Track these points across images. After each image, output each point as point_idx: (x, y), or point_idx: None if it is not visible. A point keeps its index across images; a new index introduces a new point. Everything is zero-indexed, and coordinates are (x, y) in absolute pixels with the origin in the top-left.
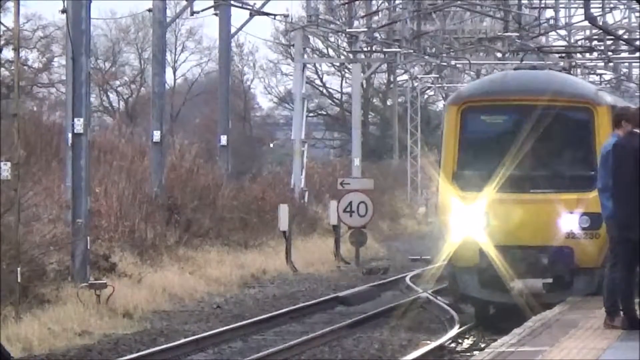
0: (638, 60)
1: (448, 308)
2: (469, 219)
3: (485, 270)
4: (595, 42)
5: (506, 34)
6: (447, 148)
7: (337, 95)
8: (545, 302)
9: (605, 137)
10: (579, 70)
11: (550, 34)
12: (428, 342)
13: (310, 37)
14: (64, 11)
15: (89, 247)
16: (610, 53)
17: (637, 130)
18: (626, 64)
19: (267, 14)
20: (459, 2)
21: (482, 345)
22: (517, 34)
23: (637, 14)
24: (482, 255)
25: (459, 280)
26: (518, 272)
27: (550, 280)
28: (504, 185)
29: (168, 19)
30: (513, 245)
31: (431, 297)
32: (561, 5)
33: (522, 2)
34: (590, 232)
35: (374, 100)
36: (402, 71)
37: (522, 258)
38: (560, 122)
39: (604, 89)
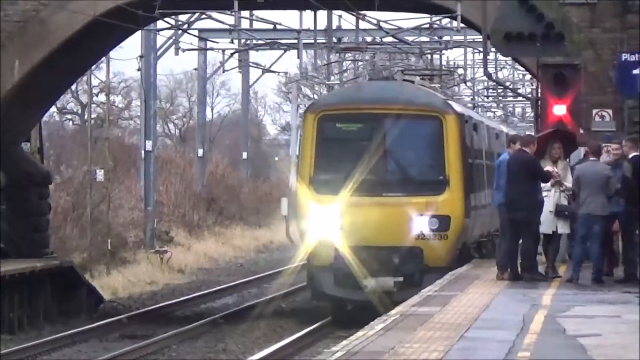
0: (519, 102)
1: None
2: (325, 221)
3: (340, 269)
4: (490, 90)
5: (431, 85)
6: (304, 154)
7: None
8: (396, 299)
9: (453, 143)
10: (479, 109)
11: (460, 85)
12: None
13: (302, 87)
14: (139, 69)
15: (155, 226)
16: (500, 97)
17: (525, 149)
18: (511, 105)
19: (274, 72)
20: (400, 64)
21: None
22: (439, 85)
23: (519, 72)
24: (337, 255)
25: (316, 278)
26: (371, 271)
27: (400, 279)
28: (357, 189)
29: (208, 75)
30: (366, 245)
31: None
32: (468, 65)
33: (442, 63)
34: (439, 233)
35: None
36: None
37: (374, 258)
38: (411, 129)
39: (453, 99)
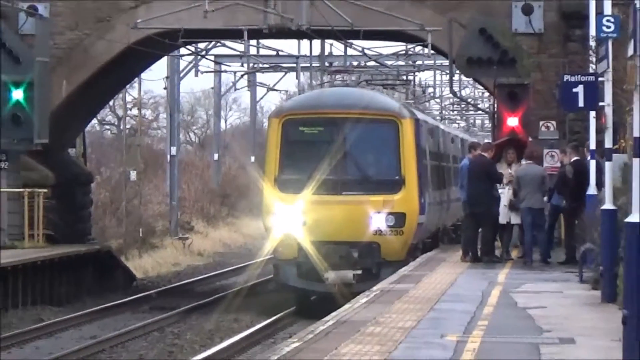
0: (479, 115)
1: None
2: (289, 218)
3: (303, 262)
4: (455, 105)
5: (406, 101)
6: (269, 155)
7: None
8: (355, 291)
9: (408, 145)
10: (446, 121)
11: (431, 101)
12: None
13: None
14: (165, 88)
15: (179, 217)
16: (463, 111)
17: (484, 154)
18: (472, 117)
19: (276, 90)
20: (379, 82)
21: None
22: (413, 101)
23: (479, 90)
24: (300, 250)
25: (281, 271)
26: (331, 264)
27: (359, 272)
28: (319, 188)
29: (222, 93)
30: (327, 240)
31: None
32: (437, 85)
33: (415, 83)
34: (395, 229)
35: None
36: None
37: (335, 252)
38: (369, 132)
39: (408, 104)
